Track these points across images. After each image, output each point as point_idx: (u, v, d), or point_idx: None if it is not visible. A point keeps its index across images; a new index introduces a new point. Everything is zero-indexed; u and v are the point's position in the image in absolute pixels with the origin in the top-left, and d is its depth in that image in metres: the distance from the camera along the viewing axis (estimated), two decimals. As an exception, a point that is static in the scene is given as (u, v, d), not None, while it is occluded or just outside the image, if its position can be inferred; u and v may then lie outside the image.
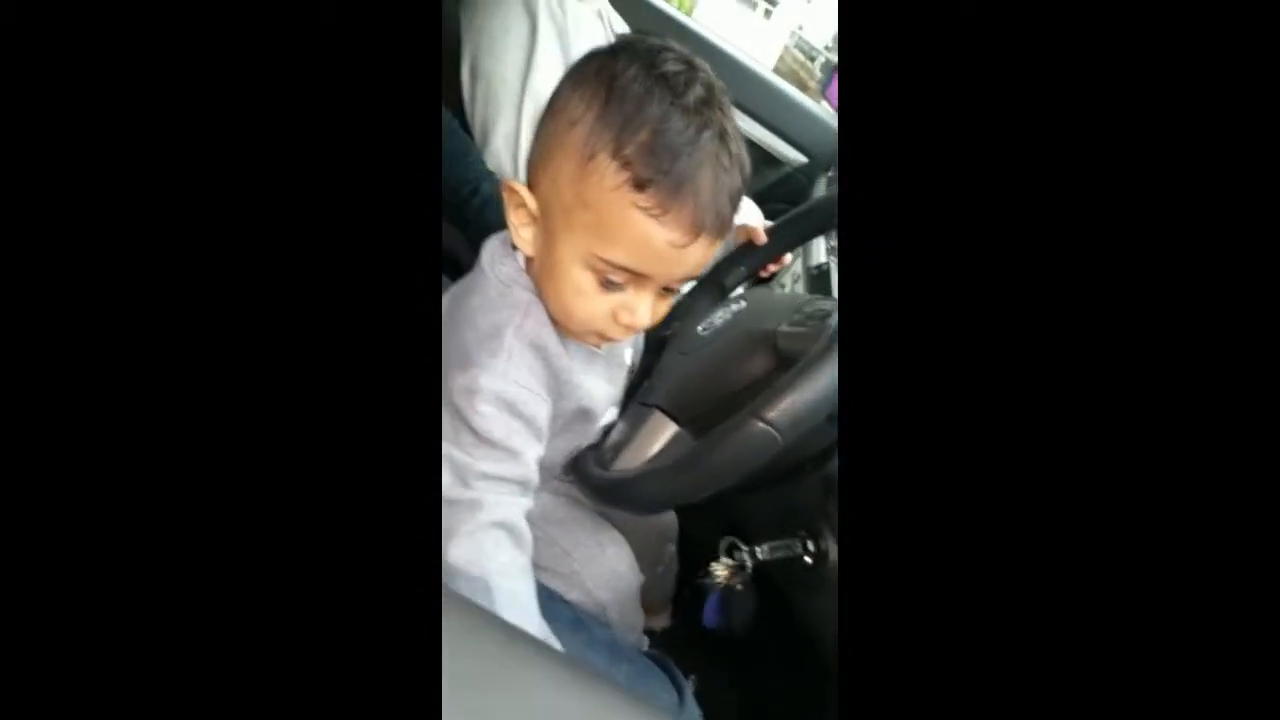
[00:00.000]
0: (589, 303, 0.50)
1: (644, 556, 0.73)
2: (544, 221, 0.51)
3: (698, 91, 0.46)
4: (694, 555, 0.80)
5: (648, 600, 0.79)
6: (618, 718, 0.27)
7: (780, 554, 0.54)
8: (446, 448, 0.49)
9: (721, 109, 0.48)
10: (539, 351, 0.53)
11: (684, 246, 0.47)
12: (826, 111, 1.39)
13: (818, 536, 0.56)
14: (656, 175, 0.44)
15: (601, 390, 0.60)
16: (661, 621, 0.85)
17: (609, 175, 0.45)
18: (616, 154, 0.45)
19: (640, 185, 0.45)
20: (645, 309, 0.51)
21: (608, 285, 0.50)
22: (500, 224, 0.87)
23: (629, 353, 0.66)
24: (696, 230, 0.47)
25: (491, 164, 0.94)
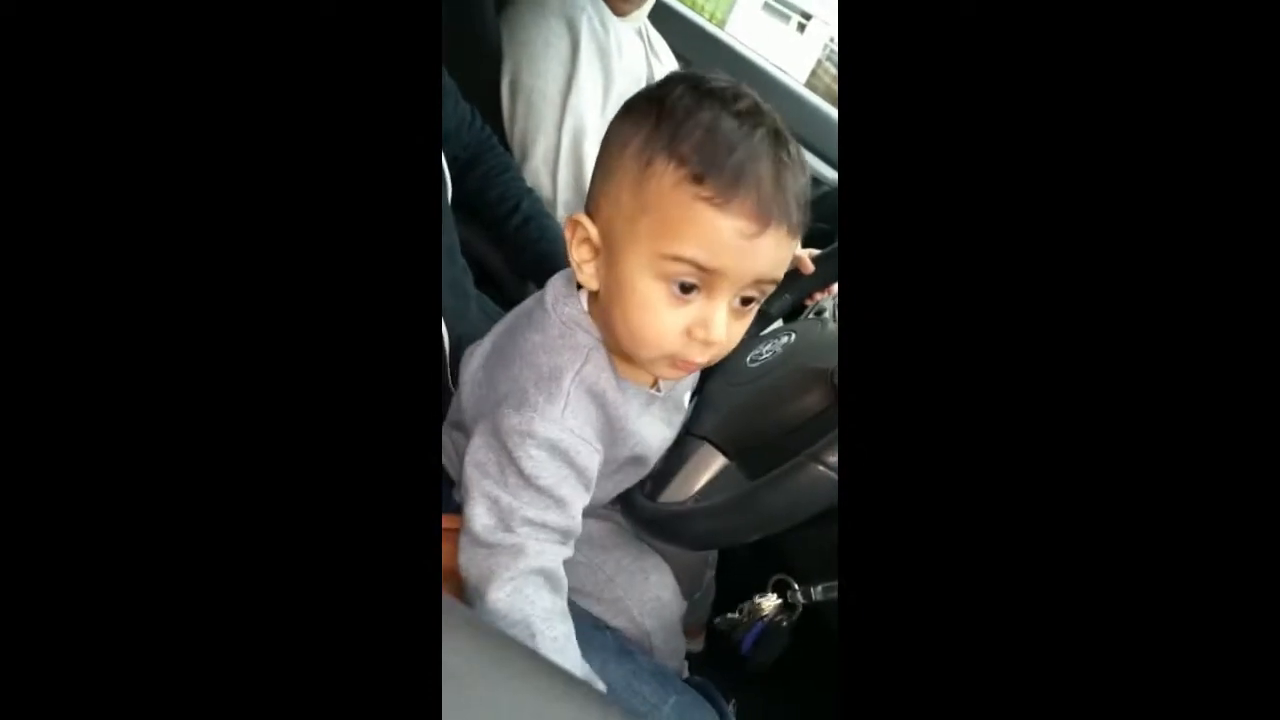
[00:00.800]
0: (659, 319, 0.48)
1: (684, 582, 0.73)
2: (606, 246, 0.50)
3: (746, 102, 0.47)
4: (731, 583, 0.80)
5: (684, 624, 0.80)
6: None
7: (833, 595, 0.54)
8: (490, 486, 0.49)
9: (772, 118, 0.48)
10: (596, 399, 0.52)
11: (753, 237, 0.45)
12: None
13: (869, 577, 0.55)
14: (712, 168, 0.44)
15: (658, 435, 0.60)
16: (695, 646, 0.86)
17: (667, 175, 0.45)
18: (672, 154, 0.45)
19: (699, 178, 0.45)
20: (721, 321, 0.48)
21: (680, 293, 0.47)
22: (539, 241, 0.88)
23: (688, 395, 0.65)
24: (764, 218, 0.45)
25: (530, 181, 0.94)
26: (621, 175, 0.48)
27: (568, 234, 0.52)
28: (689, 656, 0.83)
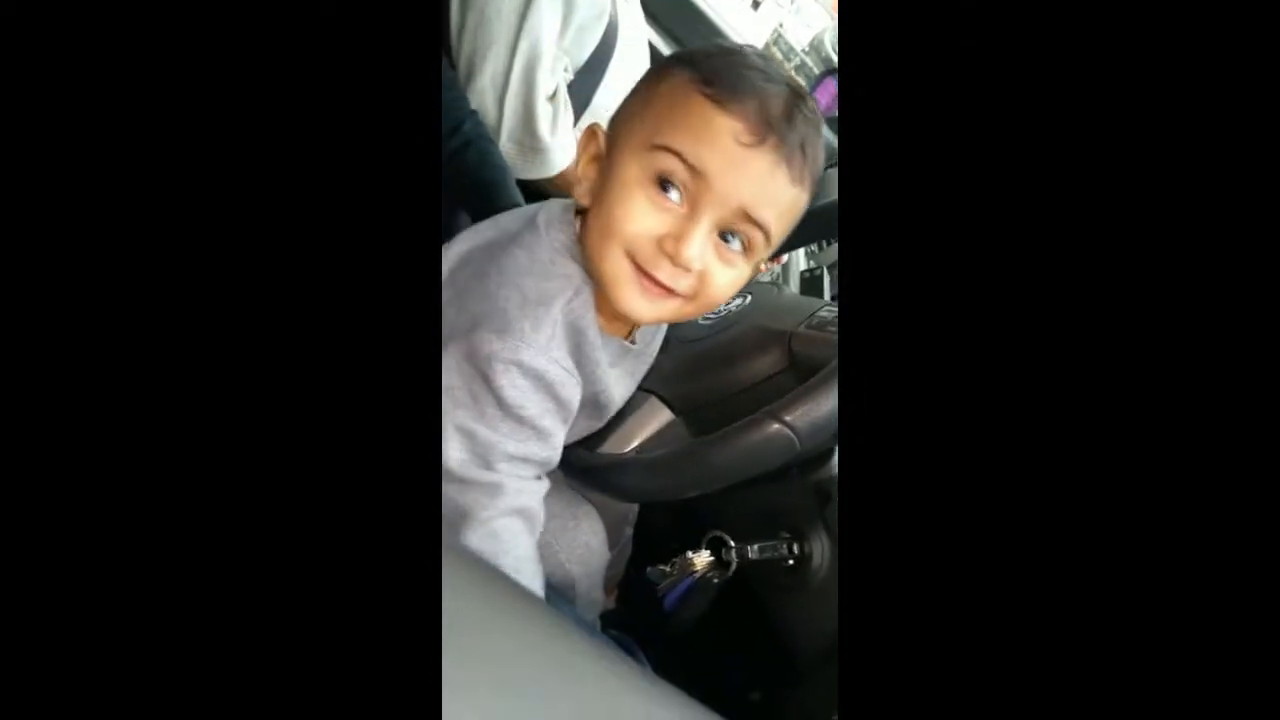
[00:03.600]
0: (636, 212, 0.46)
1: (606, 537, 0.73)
2: (607, 151, 0.49)
3: (775, 68, 0.48)
4: (648, 541, 0.80)
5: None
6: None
7: (768, 555, 0.55)
8: (463, 418, 0.45)
9: (797, 83, 0.48)
10: (578, 336, 0.50)
11: (747, 146, 0.44)
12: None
13: (803, 539, 0.56)
14: (725, 75, 0.45)
15: (622, 387, 0.58)
16: (608, 603, 0.85)
17: (678, 77, 0.46)
18: (689, 65, 0.46)
19: (709, 81, 0.45)
20: (697, 240, 0.45)
21: (659, 191, 0.45)
22: (480, 168, 0.83)
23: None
24: (761, 132, 0.44)
25: (474, 103, 0.88)
26: (637, 92, 0.49)
27: (580, 144, 0.51)
28: (603, 615, 0.83)
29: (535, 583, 0.48)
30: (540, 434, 0.48)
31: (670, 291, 0.47)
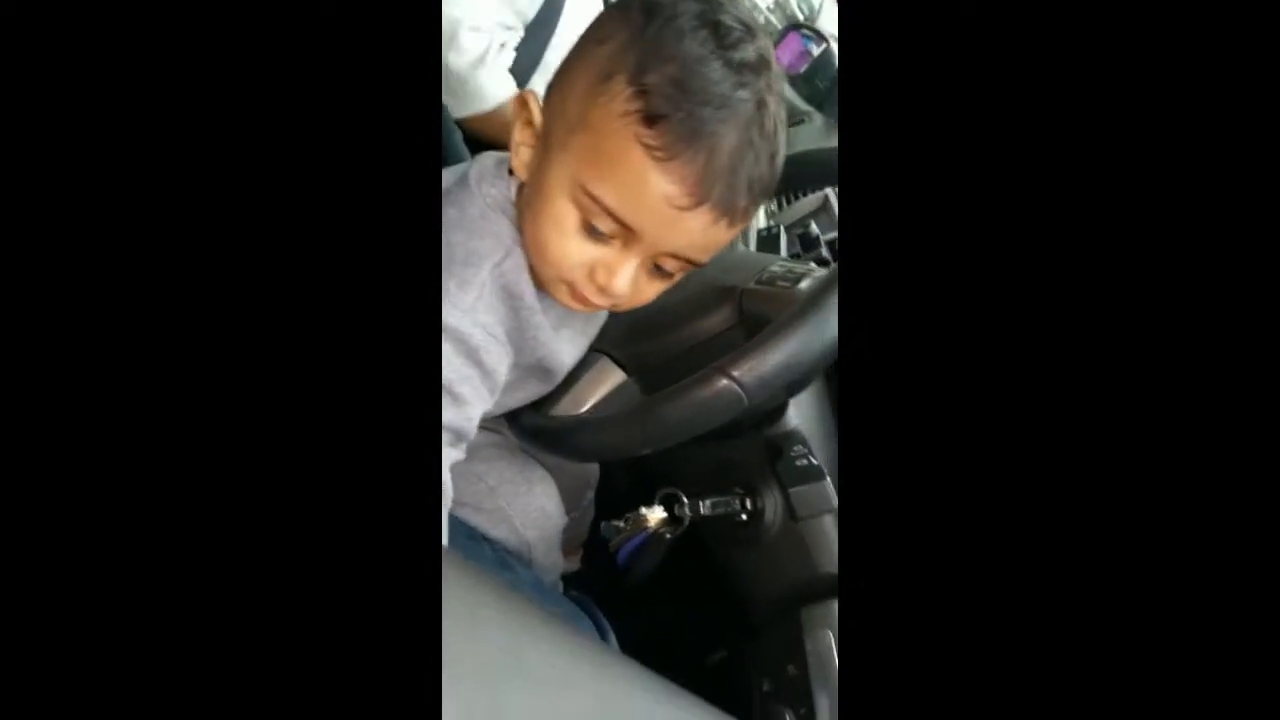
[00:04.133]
0: (565, 243, 0.44)
1: (565, 502, 0.72)
2: (543, 141, 0.45)
3: (749, 53, 0.41)
4: (610, 503, 0.80)
5: (563, 543, 0.79)
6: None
7: (720, 510, 0.55)
8: None
9: (769, 84, 0.43)
10: (511, 299, 0.48)
11: (681, 209, 0.41)
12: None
13: (755, 494, 0.57)
14: (673, 112, 0.39)
15: (573, 348, 0.56)
16: (572, 565, 0.85)
17: (620, 99, 0.40)
18: (636, 79, 0.40)
19: (651, 120, 0.39)
20: (626, 275, 0.44)
21: (591, 232, 0.43)
22: None
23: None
24: (700, 194, 0.40)
25: None
26: (579, 75, 0.43)
27: (514, 112, 0.47)
28: (566, 576, 0.83)
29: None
30: (455, 400, 0.46)
31: (596, 305, 0.48)
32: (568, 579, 0.81)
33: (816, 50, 1.36)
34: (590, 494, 0.82)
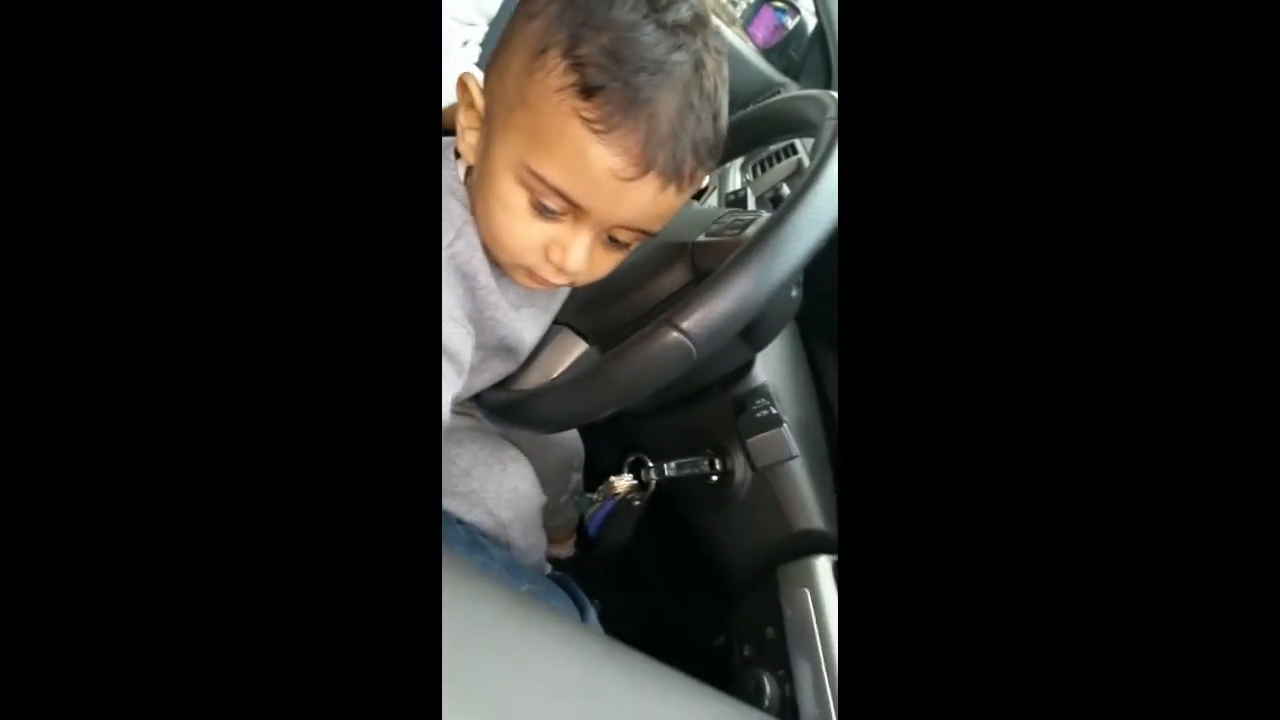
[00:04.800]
0: (518, 225, 0.44)
1: (550, 484, 0.71)
2: (486, 124, 0.44)
3: (682, 13, 0.40)
4: (598, 483, 0.79)
5: (552, 529, 0.78)
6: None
7: (686, 471, 0.54)
8: None
9: (706, 42, 0.42)
10: (467, 279, 0.47)
11: (627, 180, 0.40)
12: (749, 50, 1.36)
13: (725, 455, 0.55)
14: (608, 83, 0.38)
15: (530, 330, 0.55)
16: (565, 550, 0.85)
17: (555, 74, 0.39)
18: (569, 52, 0.39)
19: (587, 92, 0.38)
20: (580, 250, 0.44)
21: (541, 211, 0.43)
22: None
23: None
24: (644, 163, 0.40)
25: None
26: (515, 53, 0.42)
27: (458, 95, 0.46)
28: (562, 561, 0.82)
29: None
30: None
31: (555, 284, 0.48)
32: (560, 565, 0.80)
33: (791, 23, 1.35)
34: (576, 476, 0.81)
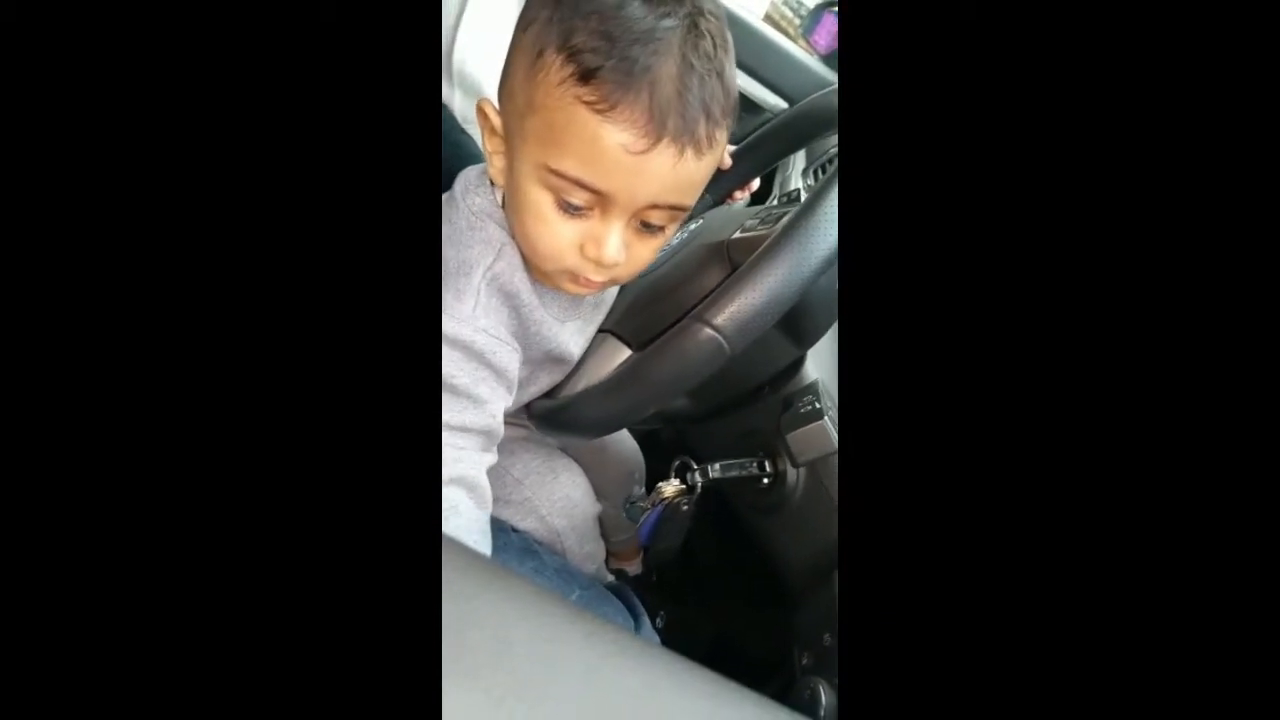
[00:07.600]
0: (551, 231, 0.44)
1: (611, 497, 0.71)
2: (506, 141, 0.46)
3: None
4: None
5: (617, 544, 0.77)
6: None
7: (733, 473, 0.52)
8: None
9: (696, 5, 0.42)
10: (509, 299, 0.48)
11: (641, 153, 0.40)
12: (807, 55, 1.34)
13: (775, 457, 0.53)
14: (604, 63, 0.39)
15: (576, 343, 0.56)
16: (634, 568, 0.84)
17: (554, 70, 0.40)
18: (564, 45, 0.40)
19: (586, 76, 0.39)
20: (615, 239, 0.44)
21: (567, 209, 0.43)
22: (450, 159, 0.82)
23: (614, 292, 0.62)
24: (654, 131, 0.40)
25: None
26: (517, 63, 0.43)
27: (479, 122, 0.48)
28: (629, 577, 0.81)
29: (482, 550, 0.47)
30: (475, 402, 0.47)
31: (599, 283, 0.48)
32: (628, 579, 0.79)
33: (852, 26, 1.32)
34: (639, 490, 0.80)
